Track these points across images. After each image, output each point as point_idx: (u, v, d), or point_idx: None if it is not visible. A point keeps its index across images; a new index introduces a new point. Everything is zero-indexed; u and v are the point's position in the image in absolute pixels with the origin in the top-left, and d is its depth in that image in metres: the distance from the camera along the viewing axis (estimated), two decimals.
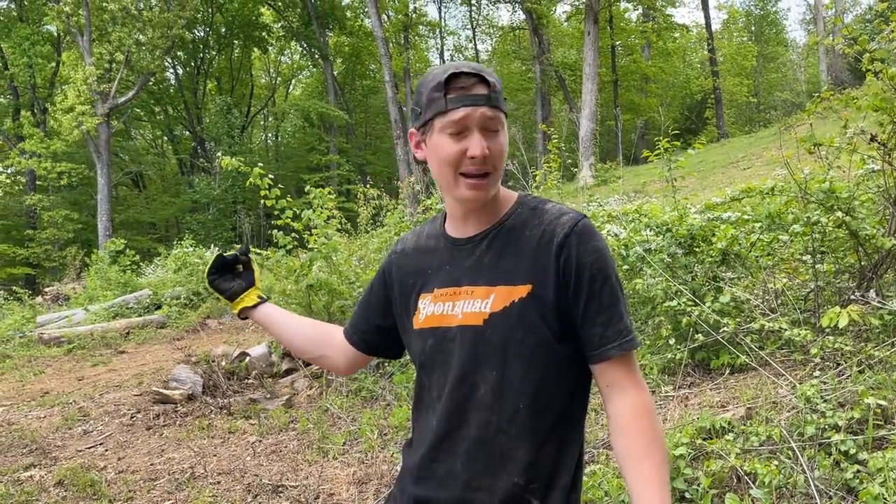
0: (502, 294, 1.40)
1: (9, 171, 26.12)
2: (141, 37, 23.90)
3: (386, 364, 6.12)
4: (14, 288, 16.68)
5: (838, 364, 3.74)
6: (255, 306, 1.87)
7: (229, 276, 1.90)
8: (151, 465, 4.84)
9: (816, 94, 4.75)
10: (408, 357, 1.76)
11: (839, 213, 4.07)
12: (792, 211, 4.48)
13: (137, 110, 33.30)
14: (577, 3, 31.68)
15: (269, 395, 6.25)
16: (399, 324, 1.64)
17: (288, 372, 6.80)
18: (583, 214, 1.46)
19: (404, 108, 29.33)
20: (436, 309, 1.49)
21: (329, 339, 1.82)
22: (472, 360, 1.42)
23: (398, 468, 1.65)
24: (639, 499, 1.30)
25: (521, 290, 1.40)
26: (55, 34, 28.79)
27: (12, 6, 29.60)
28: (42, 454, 5.30)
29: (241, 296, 1.87)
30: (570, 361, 1.43)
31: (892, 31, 4.15)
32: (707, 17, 35.98)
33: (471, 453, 1.42)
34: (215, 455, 4.88)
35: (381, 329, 1.71)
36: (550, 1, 32.48)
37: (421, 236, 1.64)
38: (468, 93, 1.37)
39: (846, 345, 3.61)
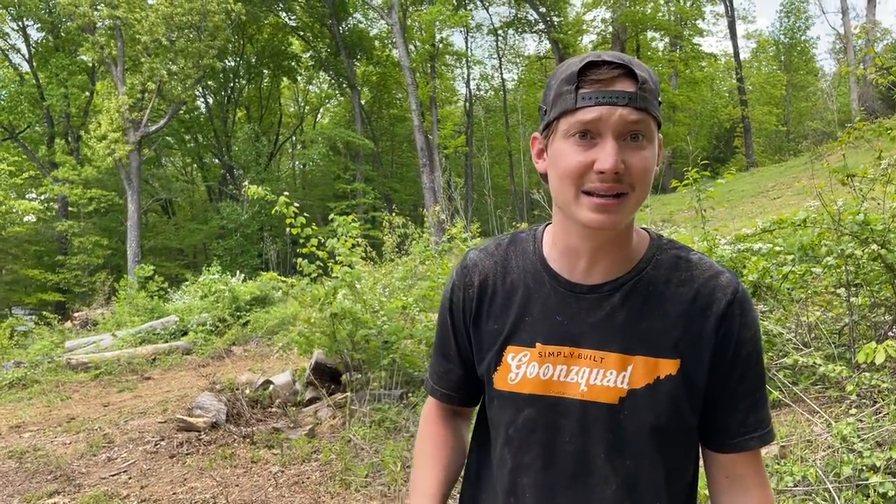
0: (643, 367, 1.13)
1: (42, 198, 26.66)
2: (173, 67, 24.40)
3: (410, 394, 6.07)
4: (44, 313, 16.91)
5: (875, 402, 3.63)
6: None
7: None
8: (174, 493, 4.81)
9: (849, 125, 4.68)
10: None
11: (874, 246, 3.98)
12: (825, 243, 4.39)
13: (168, 138, 33.89)
14: (603, 32, 31.81)
15: (292, 425, 6.21)
16: (472, 367, 1.33)
17: (311, 401, 6.77)
18: (735, 274, 1.20)
19: (430, 137, 29.54)
20: (542, 372, 1.16)
21: (460, 444, 1.42)
22: (602, 447, 1.14)
23: None
24: None
25: (669, 366, 1.12)
26: (90, 64, 29.50)
27: (49, 37, 30.43)
28: (66, 481, 5.31)
29: None
30: (695, 452, 1.22)
31: None
32: (735, 45, 35.89)
33: None
34: (237, 485, 4.84)
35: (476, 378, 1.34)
36: (577, 31, 32.63)
37: (506, 266, 1.26)
38: (607, 88, 1.05)
39: (883, 382, 3.50)
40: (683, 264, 1.18)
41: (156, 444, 6.12)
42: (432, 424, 1.42)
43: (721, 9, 35.82)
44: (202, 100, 36.15)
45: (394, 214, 9.71)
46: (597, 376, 1.14)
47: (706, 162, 5.69)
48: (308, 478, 4.86)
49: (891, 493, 2.82)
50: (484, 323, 1.25)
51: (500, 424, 1.23)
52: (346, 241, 6.66)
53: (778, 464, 3.27)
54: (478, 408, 1.40)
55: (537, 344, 1.17)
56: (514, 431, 1.19)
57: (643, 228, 1.25)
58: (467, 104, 40.97)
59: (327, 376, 6.76)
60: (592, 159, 1.05)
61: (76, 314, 18.09)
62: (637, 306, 1.15)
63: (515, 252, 1.27)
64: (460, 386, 1.36)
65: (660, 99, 1.12)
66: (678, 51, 34.98)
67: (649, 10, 30.05)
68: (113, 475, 5.42)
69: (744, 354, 1.15)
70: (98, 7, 23.07)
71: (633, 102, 1.04)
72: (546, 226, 1.29)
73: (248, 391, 6.99)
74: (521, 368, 1.18)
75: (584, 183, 1.07)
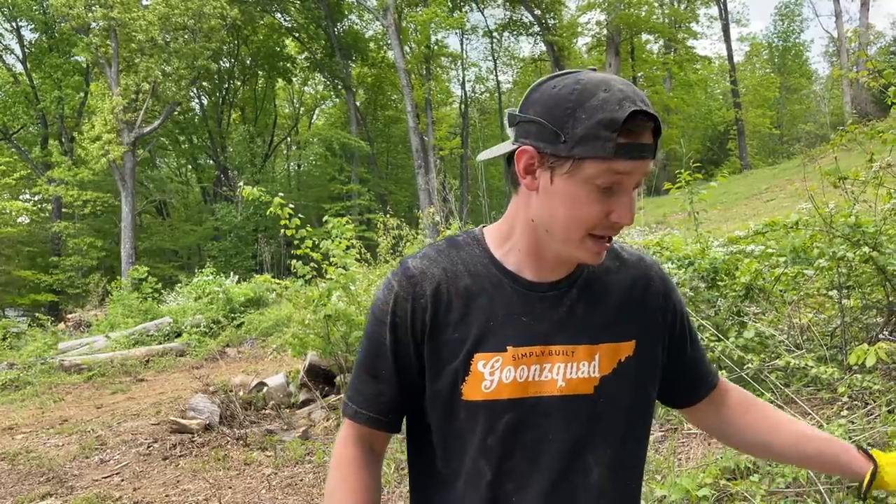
0: (608, 353, 1.18)
1: (35, 199, 26.59)
2: (167, 67, 24.37)
3: None
4: (37, 314, 16.86)
5: (867, 403, 3.64)
6: None
7: None
8: (166, 496, 4.80)
9: (841, 127, 4.70)
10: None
11: (865, 248, 3.99)
12: (817, 245, 4.40)
13: (163, 139, 33.83)
14: (598, 34, 31.87)
15: (285, 427, 6.21)
16: (409, 389, 1.22)
17: (305, 403, 6.76)
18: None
19: (425, 138, 29.54)
20: (518, 374, 1.15)
21: (377, 477, 1.29)
22: (585, 438, 1.17)
23: None
24: (824, 437, 1.33)
25: (627, 348, 1.20)
26: (84, 65, 29.43)
27: (43, 37, 30.36)
28: (59, 483, 5.29)
29: None
30: (650, 422, 1.31)
31: None
32: (729, 48, 36.04)
33: None
34: (230, 487, 4.84)
35: (415, 402, 1.25)
36: (572, 33, 32.69)
37: (457, 271, 1.20)
38: (639, 140, 1.04)
39: (875, 383, 3.52)
40: (612, 254, 1.25)
41: (149, 447, 6.10)
42: (351, 466, 1.25)
43: (715, 11, 35.99)
44: (197, 101, 36.12)
45: (388, 216, 9.70)
46: (571, 370, 1.16)
47: (698, 164, 5.71)
48: (301, 480, 4.86)
49: (882, 495, 2.83)
50: (442, 334, 1.17)
51: (472, 437, 1.16)
52: (340, 242, 6.66)
53: (769, 465, 3.28)
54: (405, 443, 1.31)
55: (508, 347, 1.15)
56: (495, 440, 1.15)
57: None
58: (463, 106, 41.02)
59: (321, 378, 6.76)
60: (609, 210, 1.07)
61: (69, 316, 18.04)
62: (591, 298, 1.20)
63: (461, 257, 1.22)
64: (391, 409, 1.24)
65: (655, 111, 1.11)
66: (672, 53, 35.08)
67: (644, 13, 30.12)
68: (105, 477, 5.41)
69: (687, 319, 1.33)
70: (93, 8, 23.02)
71: (653, 156, 1.07)
72: (482, 227, 1.28)
73: (241, 393, 6.98)
74: (494, 375, 1.15)
75: (595, 228, 1.09)
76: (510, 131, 1.14)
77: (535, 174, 1.10)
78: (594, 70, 1.12)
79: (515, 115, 1.13)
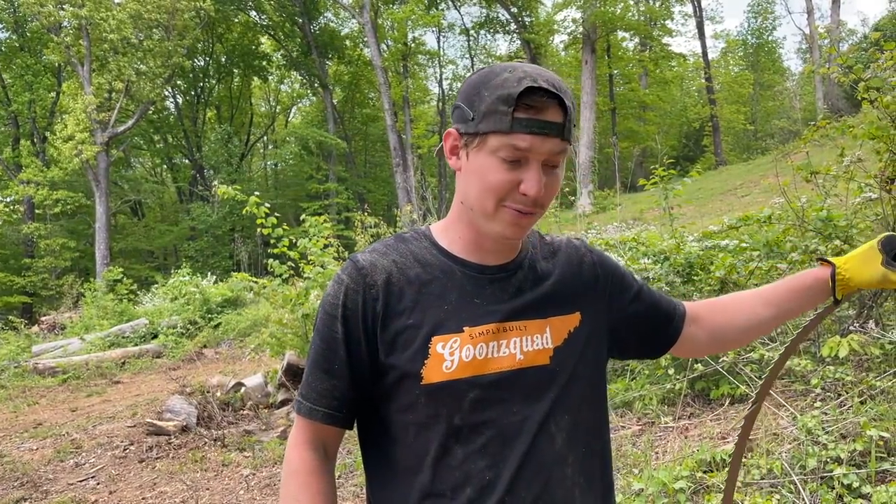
0: (557, 326, 1.26)
1: (7, 200, 26.14)
2: (141, 66, 24.07)
3: None
4: (10, 317, 16.60)
5: (839, 395, 3.69)
6: None
7: None
8: (143, 499, 4.75)
9: (813, 122, 4.76)
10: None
11: (837, 241, 4.05)
12: (790, 239, 4.46)
13: (137, 139, 33.43)
14: (574, 32, 31.98)
15: (264, 427, 6.17)
16: (362, 382, 1.23)
17: (283, 402, 6.72)
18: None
19: (403, 136, 29.49)
20: (477, 352, 1.18)
21: (331, 481, 1.28)
22: (547, 407, 1.21)
23: None
24: (783, 283, 1.44)
25: (574, 320, 1.28)
26: (56, 64, 29.00)
27: (14, 37, 29.86)
28: (33, 487, 5.22)
29: None
30: (604, 386, 1.38)
31: (887, 61, 4.16)
32: (703, 45, 36.30)
33: None
34: (208, 489, 4.80)
35: (365, 395, 1.26)
36: (548, 31, 32.78)
37: (406, 262, 1.24)
38: (540, 117, 1.10)
39: (847, 375, 3.57)
40: (546, 241, 1.38)
41: (125, 449, 6.03)
42: (312, 473, 1.24)
43: (689, 9, 36.25)
44: (171, 100, 35.73)
45: (366, 214, 9.67)
46: (527, 343, 1.22)
47: (673, 161, 5.75)
48: (280, 480, 4.82)
49: (855, 485, 2.87)
50: (395, 322, 1.20)
51: (437, 420, 1.17)
52: (317, 241, 6.63)
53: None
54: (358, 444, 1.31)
55: (465, 328, 1.19)
56: (462, 418, 1.17)
57: None
58: (440, 104, 40.94)
59: (300, 378, 6.72)
60: (518, 180, 1.13)
61: (43, 318, 17.79)
62: (536, 278, 1.28)
63: (410, 249, 1.26)
64: (345, 404, 1.24)
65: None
66: (648, 51, 35.26)
67: (619, 11, 30.21)
68: (81, 481, 5.34)
69: (624, 274, 1.42)
70: (63, 6, 22.67)
71: (562, 134, 1.12)
72: (429, 225, 1.35)
73: (219, 394, 6.92)
74: (454, 355, 1.18)
75: (505, 199, 1.14)
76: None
77: (458, 155, 1.20)
78: (521, 61, 1.18)
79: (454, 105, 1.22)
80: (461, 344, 1.18)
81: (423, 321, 1.19)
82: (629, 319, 1.40)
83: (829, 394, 3.75)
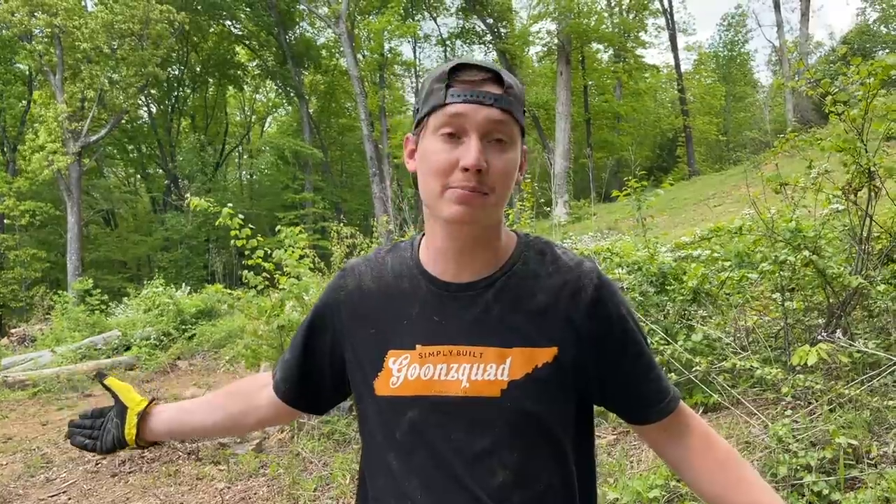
0: (521, 358, 1.15)
1: None
2: (114, 75, 23.84)
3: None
4: None
5: (810, 403, 3.75)
6: (142, 416, 1.46)
7: (95, 420, 1.54)
8: None
9: (782, 135, 4.85)
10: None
11: (806, 252, 4.12)
12: (759, 250, 4.53)
13: (110, 148, 33.06)
14: (549, 44, 32.25)
15: (238, 440, 6.11)
16: (334, 381, 1.33)
17: None
18: (595, 262, 1.30)
19: (380, 146, 29.49)
20: (423, 372, 1.17)
21: (251, 401, 1.45)
22: (488, 441, 1.15)
23: None
24: (763, 494, 1.19)
25: (546, 354, 1.16)
26: (27, 73, 28.63)
27: None
28: (3, 503, 5.13)
29: (124, 428, 1.46)
30: (580, 435, 1.26)
31: (854, 75, 4.25)
32: (676, 57, 36.80)
33: None
34: (182, 503, 4.74)
35: (320, 385, 1.36)
36: (524, 42, 33.03)
37: (383, 271, 1.27)
38: (475, 88, 1.10)
39: (817, 383, 3.63)
40: (549, 258, 1.23)
41: (97, 464, 5.95)
42: (255, 378, 1.49)
43: (662, 21, 36.74)
44: (145, 109, 35.38)
45: (342, 224, 9.65)
46: (477, 371, 1.15)
47: (645, 172, 5.82)
48: (255, 493, 4.79)
49: (825, 492, 2.92)
50: (360, 330, 1.25)
51: (385, 433, 1.20)
52: (293, 252, 6.60)
53: None
54: (338, 434, 1.44)
55: (417, 346, 1.18)
56: (401, 436, 1.18)
57: (513, 231, 1.29)
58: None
59: None
60: (458, 157, 1.09)
61: (13, 330, 17.46)
62: (510, 300, 1.18)
63: (394, 258, 1.29)
64: (289, 382, 1.37)
65: (525, 109, 1.18)
66: (622, 62, 35.67)
67: (594, 23, 30.55)
68: (52, 496, 5.26)
69: (630, 329, 1.21)
70: (35, 14, 22.40)
71: (499, 103, 1.10)
72: (422, 235, 1.32)
73: None
74: (402, 372, 1.18)
75: (449, 180, 1.10)
76: None
77: (414, 156, 1.20)
78: None
79: None
80: (410, 361, 1.18)
81: (382, 332, 1.22)
82: (609, 377, 1.23)
83: (799, 402, 3.81)
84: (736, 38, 45.87)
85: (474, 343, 1.17)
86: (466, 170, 1.08)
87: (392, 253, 1.31)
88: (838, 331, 4.06)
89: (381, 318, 1.23)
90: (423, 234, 1.30)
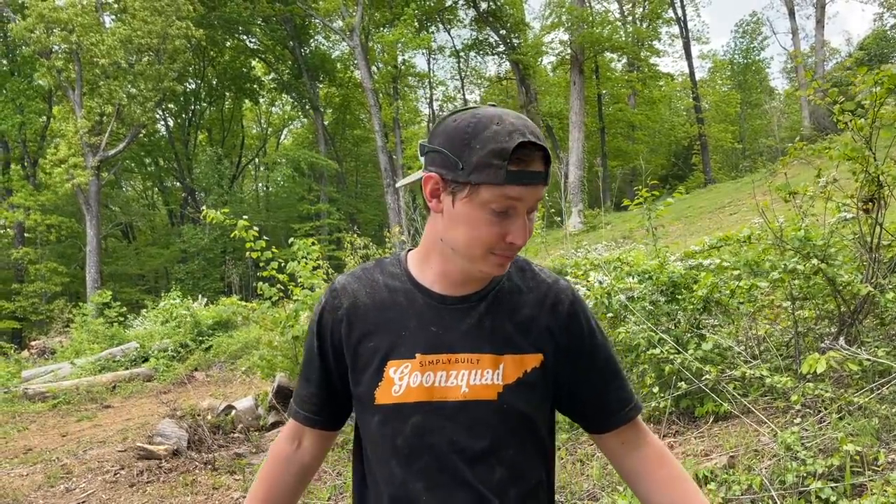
0: (512, 364, 1.27)
1: None
2: (132, 89, 24.15)
3: None
4: (0, 342, 16.52)
5: (819, 411, 3.76)
6: None
7: None
8: None
9: (790, 143, 4.86)
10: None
11: (815, 261, 4.13)
12: (769, 258, 4.54)
13: (128, 162, 33.48)
14: (562, 54, 32.31)
15: (254, 450, 6.18)
16: (336, 391, 1.40)
17: (274, 425, 6.74)
18: (568, 280, 1.42)
19: (394, 157, 29.64)
20: (424, 380, 1.25)
21: (299, 457, 1.48)
22: (487, 441, 1.25)
23: None
24: None
25: (534, 360, 1.28)
26: (47, 88, 29.07)
27: (4, 61, 29.94)
28: None
29: None
30: (550, 434, 1.39)
31: (860, 84, 4.27)
32: (690, 66, 36.77)
33: None
34: None
35: (345, 397, 1.41)
36: (537, 52, 33.10)
37: (375, 287, 1.35)
38: (528, 168, 1.16)
39: (826, 391, 3.63)
40: (529, 275, 1.36)
41: (115, 474, 6.03)
42: (277, 443, 1.49)
43: (676, 30, 36.72)
44: (163, 122, 35.83)
45: (355, 235, 9.74)
46: (475, 377, 1.25)
47: (657, 181, 5.85)
48: None
49: (832, 499, 2.93)
50: (359, 344, 1.31)
51: (385, 439, 1.28)
52: (306, 263, 6.68)
53: (726, 473, 3.37)
54: (352, 444, 1.45)
55: (417, 355, 1.26)
56: (403, 441, 1.26)
57: None
58: (430, 125, 41.15)
59: (290, 400, 6.74)
60: (506, 232, 1.18)
61: (33, 343, 17.70)
62: (500, 312, 1.29)
63: (382, 274, 1.36)
64: (322, 409, 1.42)
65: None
66: (636, 71, 35.65)
67: (607, 32, 30.56)
68: None
69: (598, 342, 1.35)
70: (54, 31, 22.77)
71: (545, 181, 1.19)
72: (408, 251, 1.41)
73: (209, 417, 6.92)
74: (403, 380, 1.26)
75: (494, 248, 1.20)
76: (422, 160, 1.26)
77: (440, 198, 1.23)
78: (493, 105, 1.24)
79: (424, 145, 1.25)
80: (411, 370, 1.26)
81: (381, 344, 1.29)
82: (574, 384, 1.35)
83: (808, 410, 3.81)
84: (752, 46, 45.73)
85: (471, 351, 1.26)
86: (513, 244, 1.19)
87: (378, 268, 1.38)
88: (841, 339, 4.07)
89: (378, 331, 1.30)
90: (410, 250, 1.41)
